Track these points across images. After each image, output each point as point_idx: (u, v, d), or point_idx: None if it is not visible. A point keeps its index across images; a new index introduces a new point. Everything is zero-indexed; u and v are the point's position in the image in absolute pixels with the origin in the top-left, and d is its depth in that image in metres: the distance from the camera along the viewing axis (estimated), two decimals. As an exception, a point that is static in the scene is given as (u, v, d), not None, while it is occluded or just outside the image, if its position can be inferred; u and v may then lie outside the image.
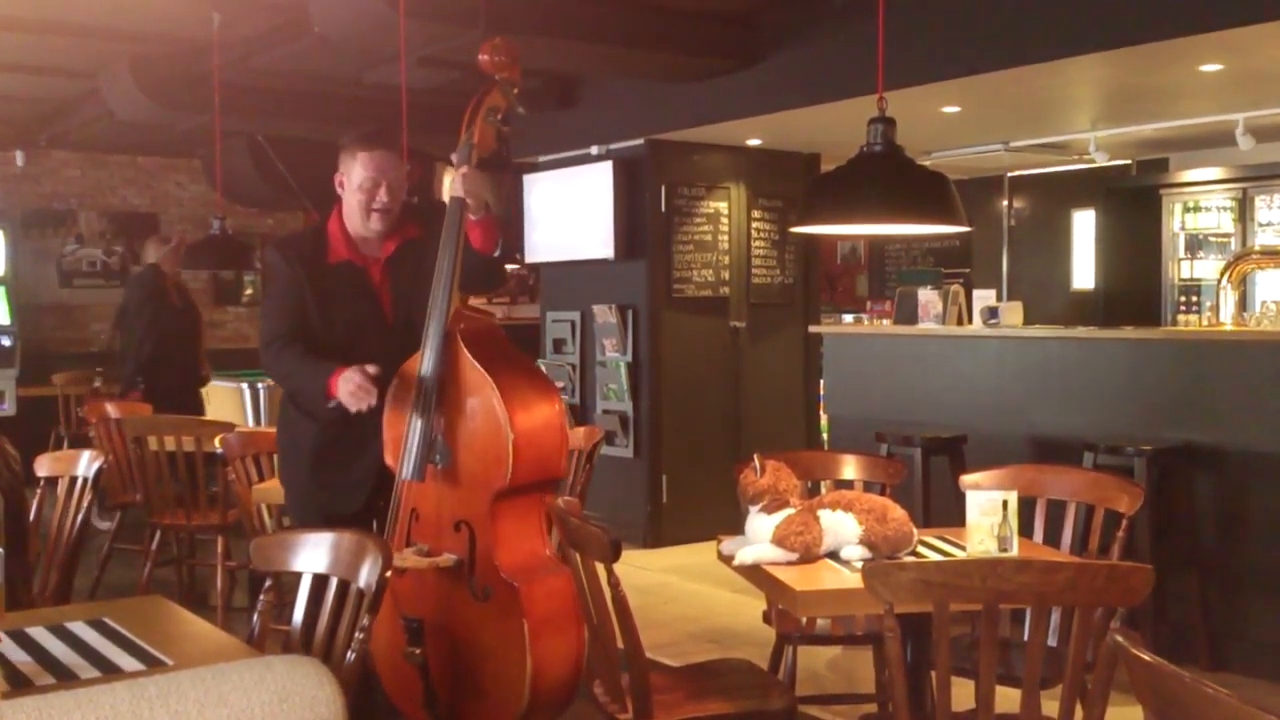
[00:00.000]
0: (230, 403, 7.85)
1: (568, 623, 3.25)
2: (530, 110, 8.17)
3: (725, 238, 7.66)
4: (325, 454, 3.54)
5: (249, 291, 11.47)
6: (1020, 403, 5.56)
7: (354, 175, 3.48)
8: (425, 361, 3.31)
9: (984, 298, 6.11)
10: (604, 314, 7.52)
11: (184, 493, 5.53)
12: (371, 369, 3.33)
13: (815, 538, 2.94)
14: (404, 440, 3.35)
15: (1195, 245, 8.73)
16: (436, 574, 3.32)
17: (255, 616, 2.55)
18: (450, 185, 3.42)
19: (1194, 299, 8.58)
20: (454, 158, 3.43)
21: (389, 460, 3.43)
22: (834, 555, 2.98)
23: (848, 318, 8.93)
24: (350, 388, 3.31)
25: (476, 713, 3.32)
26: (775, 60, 6.34)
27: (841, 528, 2.98)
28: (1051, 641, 3.27)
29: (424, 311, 3.36)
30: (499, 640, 3.21)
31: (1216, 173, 8.40)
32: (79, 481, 3.62)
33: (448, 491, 3.34)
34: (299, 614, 2.52)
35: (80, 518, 3.56)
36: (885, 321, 6.68)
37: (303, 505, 3.65)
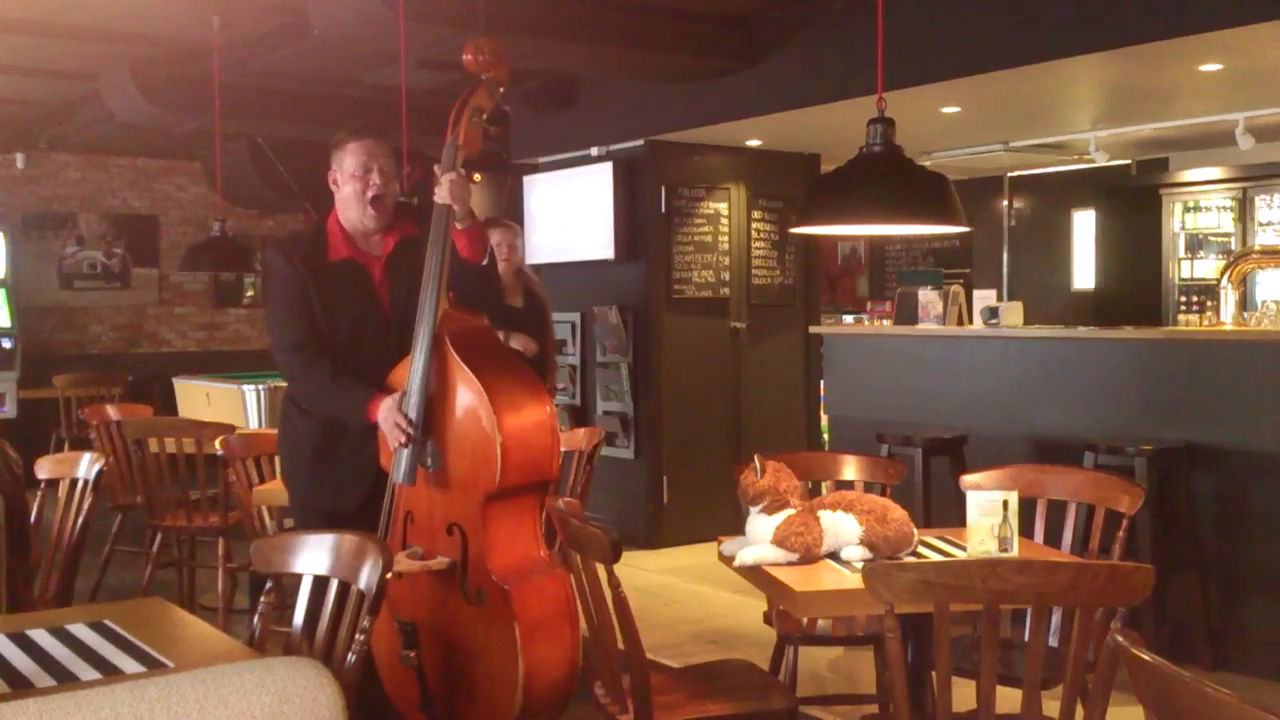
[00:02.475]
0: (231, 405, 7.85)
1: (561, 626, 3.24)
2: (530, 111, 8.18)
3: (725, 238, 7.67)
4: (324, 452, 3.55)
5: (250, 293, 11.48)
6: (1021, 403, 5.56)
7: (345, 165, 3.49)
8: (414, 364, 3.31)
9: (984, 298, 6.11)
10: (604, 315, 7.52)
11: (184, 495, 5.54)
12: (411, 415, 3.32)
13: (816, 538, 2.94)
14: None
15: (1195, 245, 8.74)
16: (430, 577, 3.31)
17: (256, 618, 2.55)
18: (435, 191, 3.40)
19: (1194, 299, 8.58)
20: (436, 166, 3.42)
21: (384, 462, 3.43)
22: (834, 556, 2.98)
23: (848, 318, 8.93)
24: (393, 421, 3.31)
25: (471, 715, 3.32)
26: (775, 61, 6.34)
27: (842, 528, 2.97)
28: (1052, 642, 3.27)
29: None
30: (491, 643, 3.21)
31: (1216, 172, 8.40)
32: (80, 484, 3.62)
33: (439, 495, 3.34)
34: (299, 616, 2.52)
35: (81, 520, 3.56)
36: (886, 322, 6.68)
37: (303, 505, 3.66)
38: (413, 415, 3.29)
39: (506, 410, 3.21)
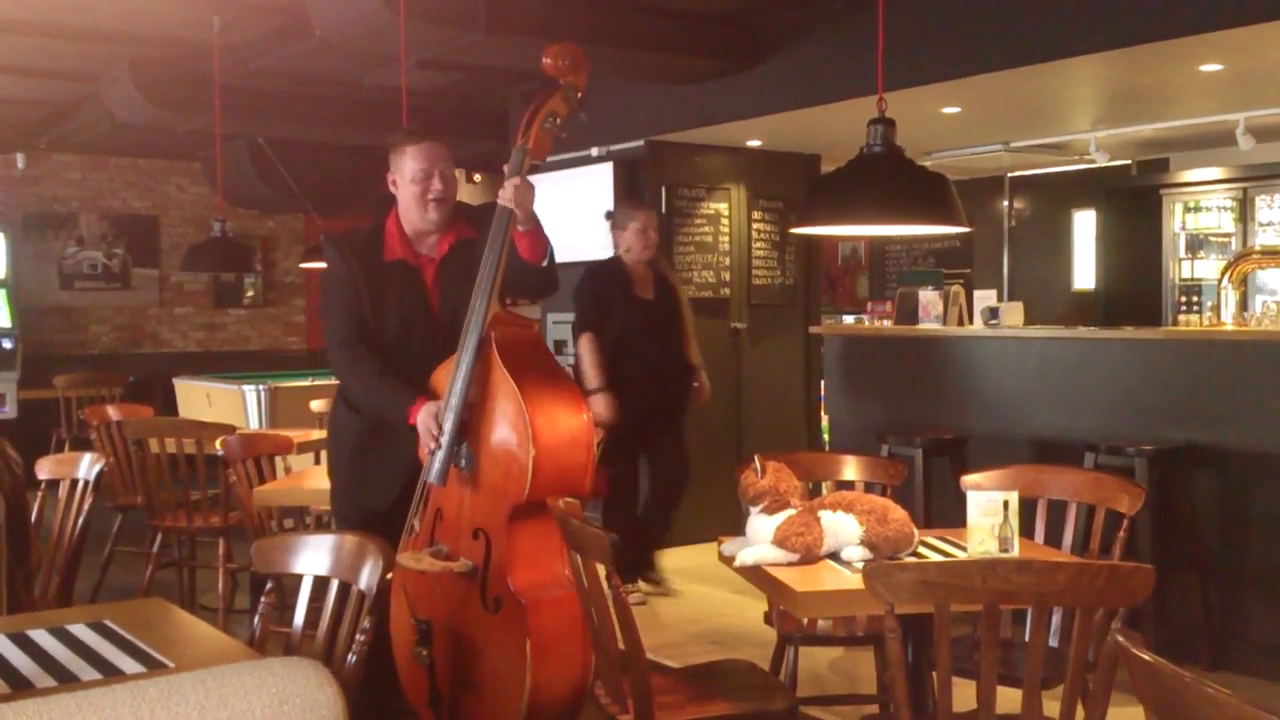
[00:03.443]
0: (231, 405, 7.85)
1: (574, 645, 3.21)
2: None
3: (726, 239, 7.67)
4: (365, 448, 3.58)
5: (250, 294, 11.48)
6: (1021, 403, 5.56)
7: (406, 170, 3.51)
8: (459, 366, 3.30)
9: (985, 298, 6.11)
10: (605, 315, 7.50)
11: (185, 495, 5.54)
12: (450, 414, 3.32)
13: (816, 538, 2.94)
14: None
15: (1196, 245, 8.74)
16: (451, 578, 3.31)
17: (256, 619, 2.55)
18: (499, 193, 3.39)
19: (1195, 299, 8.58)
20: (506, 167, 3.42)
21: (421, 456, 3.43)
22: (835, 556, 2.98)
23: (848, 318, 8.94)
24: (430, 427, 3.32)
25: (476, 717, 3.32)
26: (775, 61, 6.34)
27: (842, 528, 2.97)
28: (1053, 642, 3.27)
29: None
30: (502, 654, 3.20)
31: (1217, 173, 8.40)
32: (80, 484, 3.63)
33: (469, 497, 3.34)
34: (300, 616, 2.52)
35: (81, 520, 3.57)
36: (886, 322, 6.68)
37: (341, 499, 3.70)
38: (452, 415, 3.29)
39: (544, 422, 3.17)
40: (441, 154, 3.53)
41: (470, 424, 3.31)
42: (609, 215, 6.02)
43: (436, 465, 3.33)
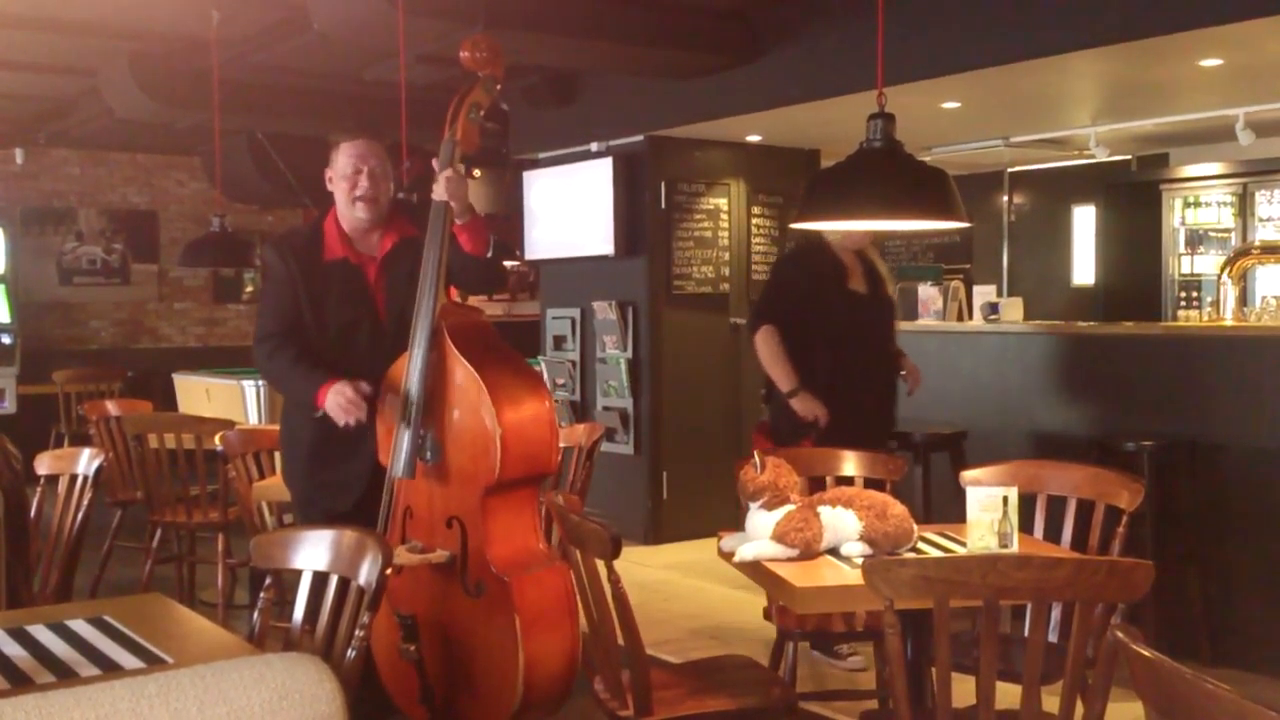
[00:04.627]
0: (231, 400, 7.85)
1: (561, 618, 3.26)
2: (530, 106, 8.14)
3: (725, 234, 7.66)
4: (321, 450, 3.59)
5: (249, 289, 11.48)
6: (1020, 399, 5.56)
7: (338, 165, 3.58)
8: (413, 359, 3.34)
9: (984, 293, 6.11)
10: (604, 311, 7.51)
11: (184, 490, 5.53)
12: (365, 387, 3.39)
13: (815, 534, 2.94)
14: (394, 437, 3.38)
15: (1195, 240, 8.74)
16: (430, 570, 3.33)
17: (255, 614, 2.55)
18: (433, 188, 3.43)
19: (1194, 294, 8.58)
20: (434, 162, 3.47)
21: (383, 458, 3.45)
22: (834, 551, 2.98)
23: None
24: (340, 401, 3.37)
25: (471, 708, 3.33)
26: (775, 56, 6.33)
27: (842, 524, 2.97)
28: (1052, 637, 3.27)
29: None
30: (492, 636, 3.22)
31: (1217, 168, 8.40)
32: (79, 479, 3.62)
33: (439, 488, 3.36)
34: (299, 612, 2.52)
35: (81, 515, 3.56)
36: (885, 317, 6.66)
37: (302, 502, 3.71)
38: (413, 412, 3.31)
39: (506, 404, 3.24)
40: (374, 151, 3.59)
41: (431, 414, 3.34)
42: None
43: (402, 459, 3.35)
